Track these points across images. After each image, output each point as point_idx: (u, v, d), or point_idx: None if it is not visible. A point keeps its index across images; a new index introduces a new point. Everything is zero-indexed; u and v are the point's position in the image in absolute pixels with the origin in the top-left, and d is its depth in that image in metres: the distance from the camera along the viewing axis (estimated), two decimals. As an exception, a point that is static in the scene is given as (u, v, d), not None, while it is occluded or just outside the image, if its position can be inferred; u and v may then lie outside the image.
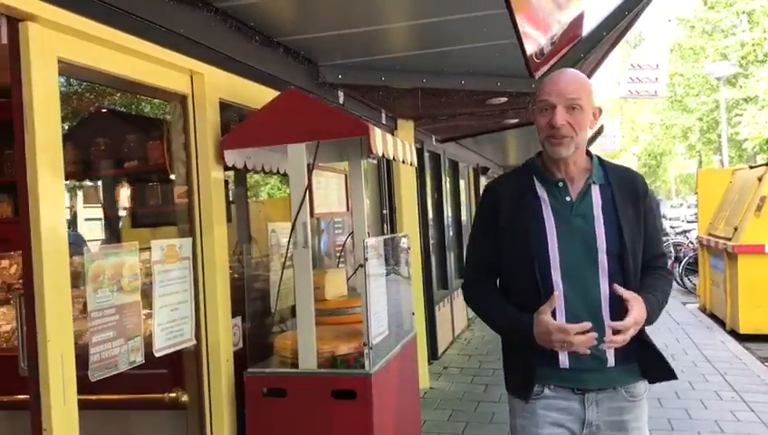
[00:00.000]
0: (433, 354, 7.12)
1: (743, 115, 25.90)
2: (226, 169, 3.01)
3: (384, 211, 5.94)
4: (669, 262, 1.96)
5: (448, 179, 8.96)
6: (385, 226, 5.98)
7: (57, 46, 2.12)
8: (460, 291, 9.26)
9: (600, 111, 2.11)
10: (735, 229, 8.47)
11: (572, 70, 2.13)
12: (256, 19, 3.16)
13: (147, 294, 2.58)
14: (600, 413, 2.04)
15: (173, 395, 2.90)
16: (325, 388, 2.83)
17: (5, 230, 3.74)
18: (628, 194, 2.08)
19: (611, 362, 2.02)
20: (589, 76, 4.15)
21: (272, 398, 2.89)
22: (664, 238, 14.77)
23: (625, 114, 36.42)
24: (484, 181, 12.38)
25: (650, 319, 1.98)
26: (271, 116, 2.91)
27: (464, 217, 10.17)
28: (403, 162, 3.39)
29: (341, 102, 4.51)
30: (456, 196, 9.80)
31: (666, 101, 30.61)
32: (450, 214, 9.09)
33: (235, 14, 3.03)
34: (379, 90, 4.58)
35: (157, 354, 2.59)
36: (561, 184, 2.07)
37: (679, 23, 29.50)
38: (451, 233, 9.07)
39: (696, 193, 11.09)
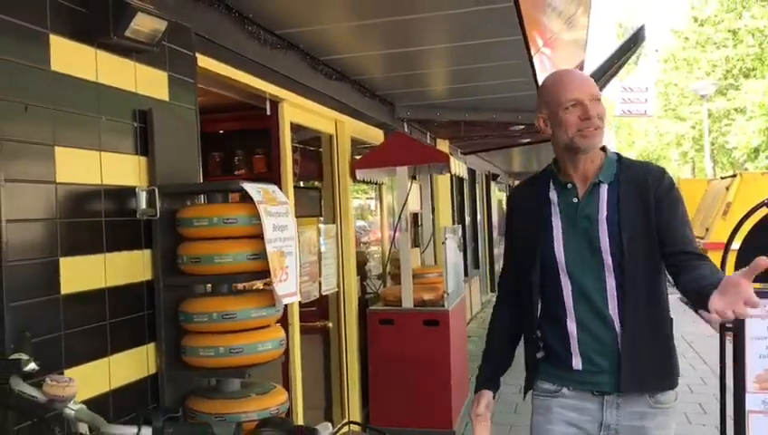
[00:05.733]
0: (458, 326, 8.81)
1: (732, 125, 27.64)
2: (354, 181, 4.72)
3: (427, 210, 7.64)
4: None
5: (467, 185, 10.66)
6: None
7: (291, 115, 3.82)
8: (476, 278, 10.99)
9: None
10: (707, 230, 10.18)
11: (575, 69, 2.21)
12: (371, 85, 4.88)
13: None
14: (620, 417, 1.99)
15: (323, 323, 4.59)
16: (419, 319, 4.54)
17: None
18: (637, 189, 1.99)
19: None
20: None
21: (384, 325, 4.60)
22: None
23: (622, 120, 38.25)
24: (494, 186, 14.09)
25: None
26: (386, 148, 4.63)
27: (478, 216, 11.90)
28: (462, 177, 5.10)
29: (407, 130, 6.22)
30: (473, 198, 11.50)
31: (660, 110, 32.25)
32: (468, 213, 10.80)
33: (362, 82, 4.74)
34: (433, 121, 6.30)
35: (323, 293, 4.28)
36: (569, 186, 2.05)
37: (674, 34, 31.28)
38: (469, 230, 10.77)
39: (678, 199, 12.78)
